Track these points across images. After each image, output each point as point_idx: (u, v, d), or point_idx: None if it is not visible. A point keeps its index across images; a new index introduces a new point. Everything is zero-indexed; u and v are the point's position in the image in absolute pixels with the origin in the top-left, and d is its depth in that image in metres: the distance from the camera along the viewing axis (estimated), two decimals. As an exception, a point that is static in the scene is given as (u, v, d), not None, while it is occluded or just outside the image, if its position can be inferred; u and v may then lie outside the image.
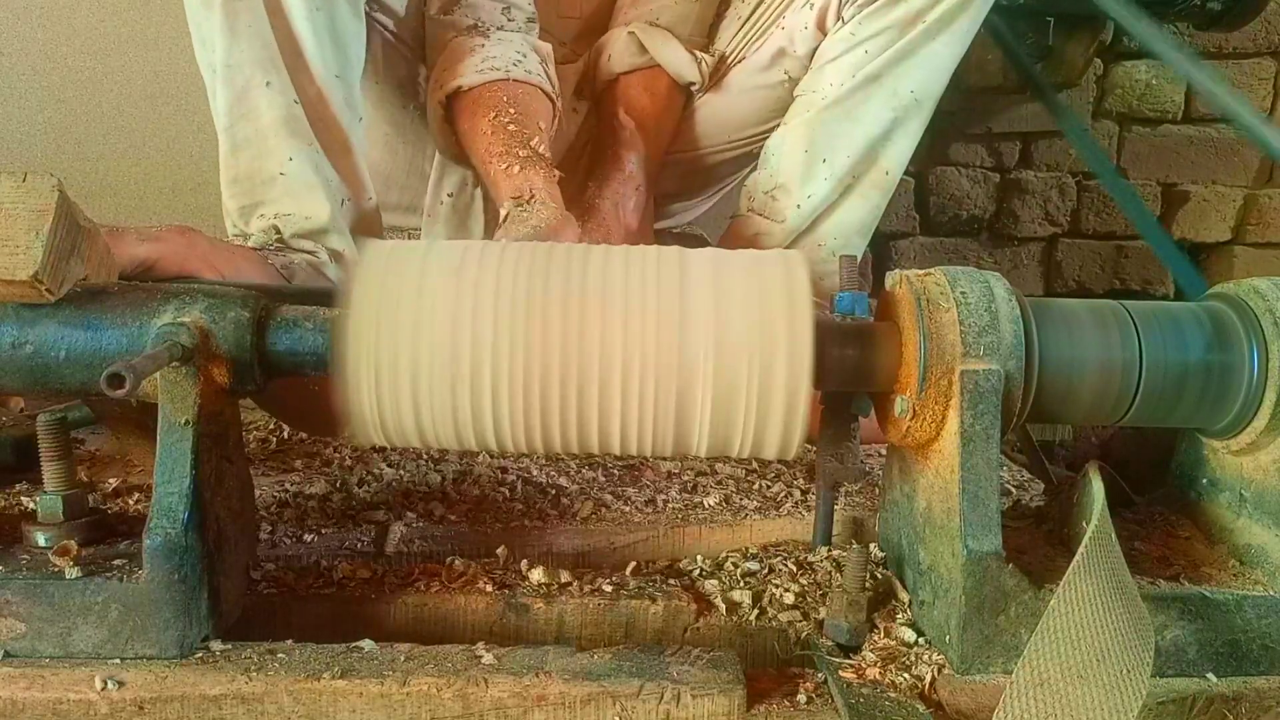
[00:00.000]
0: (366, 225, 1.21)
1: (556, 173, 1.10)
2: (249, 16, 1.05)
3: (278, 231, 1.10)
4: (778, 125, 1.30)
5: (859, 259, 0.92)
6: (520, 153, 1.10)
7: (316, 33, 1.08)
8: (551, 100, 1.25)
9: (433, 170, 1.37)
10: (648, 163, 1.32)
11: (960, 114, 2.11)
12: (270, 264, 1.07)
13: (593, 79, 1.39)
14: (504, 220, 1.04)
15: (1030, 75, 1.92)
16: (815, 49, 1.26)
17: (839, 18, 1.22)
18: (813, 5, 1.23)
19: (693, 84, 1.34)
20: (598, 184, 1.27)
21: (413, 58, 1.31)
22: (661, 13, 1.34)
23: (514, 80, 1.19)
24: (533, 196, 1.04)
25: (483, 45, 1.21)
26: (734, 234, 1.33)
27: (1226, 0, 1.77)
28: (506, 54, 1.21)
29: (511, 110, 1.15)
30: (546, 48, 1.27)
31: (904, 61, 1.20)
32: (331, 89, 1.12)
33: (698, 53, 1.33)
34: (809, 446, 0.77)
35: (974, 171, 2.17)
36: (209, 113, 1.13)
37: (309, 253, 1.11)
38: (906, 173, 2.14)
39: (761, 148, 1.32)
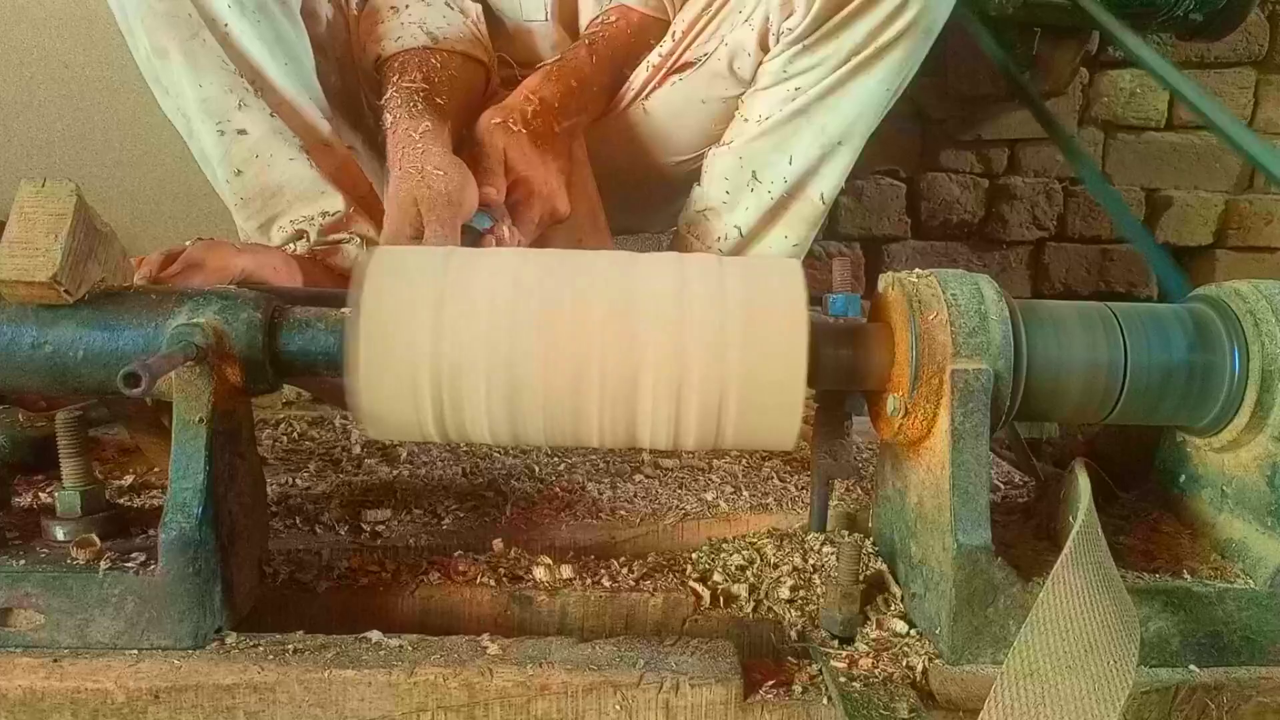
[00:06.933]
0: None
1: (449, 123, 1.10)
2: (204, 51, 1.09)
3: (302, 236, 1.11)
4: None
5: (851, 261, 0.93)
6: (415, 106, 1.11)
7: (268, 47, 1.12)
8: (481, 62, 1.24)
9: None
10: (600, 87, 1.29)
11: (951, 121, 2.14)
12: (325, 264, 1.08)
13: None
14: (393, 185, 1.04)
15: (1018, 84, 1.94)
16: (759, 66, 1.23)
17: (778, 39, 1.18)
18: (753, 26, 1.19)
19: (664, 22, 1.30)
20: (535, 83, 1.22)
21: (339, 69, 1.30)
22: None
23: (429, 49, 1.19)
24: (411, 144, 1.04)
25: (405, 7, 1.21)
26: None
27: (1208, 11, 1.80)
28: (427, 16, 1.20)
29: (418, 76, 1.15)
30: (476, 8, 1.26)
31: (833, 95, 1.18)
32: (296, 94, 1.15)
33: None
34: (802, 444, 0.78)
35: (964, 177, 2.20)
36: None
37: (344, 243, 1.13)
38: (899, 177, 2.18)
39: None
